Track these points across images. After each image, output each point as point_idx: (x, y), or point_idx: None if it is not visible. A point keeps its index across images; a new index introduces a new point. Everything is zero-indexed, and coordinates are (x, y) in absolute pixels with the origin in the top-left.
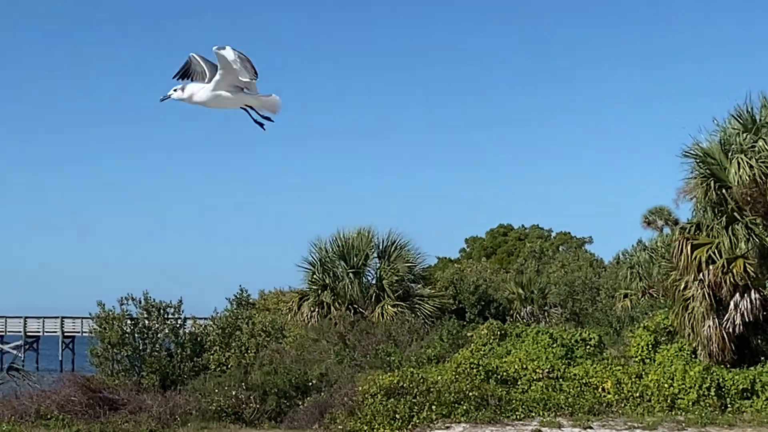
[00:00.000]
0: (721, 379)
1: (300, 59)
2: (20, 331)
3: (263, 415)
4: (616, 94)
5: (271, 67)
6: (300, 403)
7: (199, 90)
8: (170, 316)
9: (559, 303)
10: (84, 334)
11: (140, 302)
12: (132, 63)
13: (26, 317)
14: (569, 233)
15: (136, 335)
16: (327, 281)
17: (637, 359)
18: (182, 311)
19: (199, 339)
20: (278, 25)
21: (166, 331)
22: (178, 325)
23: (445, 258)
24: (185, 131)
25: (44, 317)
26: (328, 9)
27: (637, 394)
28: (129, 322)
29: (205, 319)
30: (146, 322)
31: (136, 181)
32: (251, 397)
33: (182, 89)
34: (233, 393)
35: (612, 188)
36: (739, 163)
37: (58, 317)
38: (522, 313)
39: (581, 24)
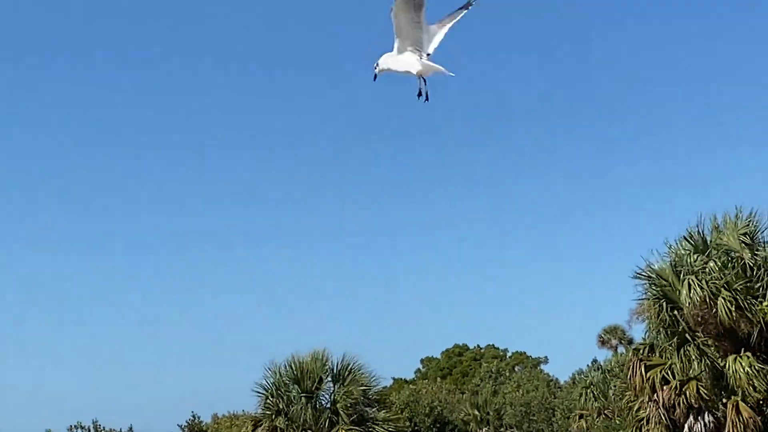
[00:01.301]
0: None
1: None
2: None
3: None
4: (571, 213)
5: None
6: None
7: (386, 59)
8: None
9: (515, 424)
10: None
11: (89, 430)
12: None
13: None
14: (525, 353)
15: None
16: (281, 406)
17: None
18: None
19: None
20: None
21: None
22: None
23: (401, 379)
24: (140, 254)
25: None
26: None
27: None
28: None
29: None
30: None
31: (90, 307)
32: None
33: (376, 65)
34: None
35: (567, 307)
36: (690, 285)
37: None
38: None
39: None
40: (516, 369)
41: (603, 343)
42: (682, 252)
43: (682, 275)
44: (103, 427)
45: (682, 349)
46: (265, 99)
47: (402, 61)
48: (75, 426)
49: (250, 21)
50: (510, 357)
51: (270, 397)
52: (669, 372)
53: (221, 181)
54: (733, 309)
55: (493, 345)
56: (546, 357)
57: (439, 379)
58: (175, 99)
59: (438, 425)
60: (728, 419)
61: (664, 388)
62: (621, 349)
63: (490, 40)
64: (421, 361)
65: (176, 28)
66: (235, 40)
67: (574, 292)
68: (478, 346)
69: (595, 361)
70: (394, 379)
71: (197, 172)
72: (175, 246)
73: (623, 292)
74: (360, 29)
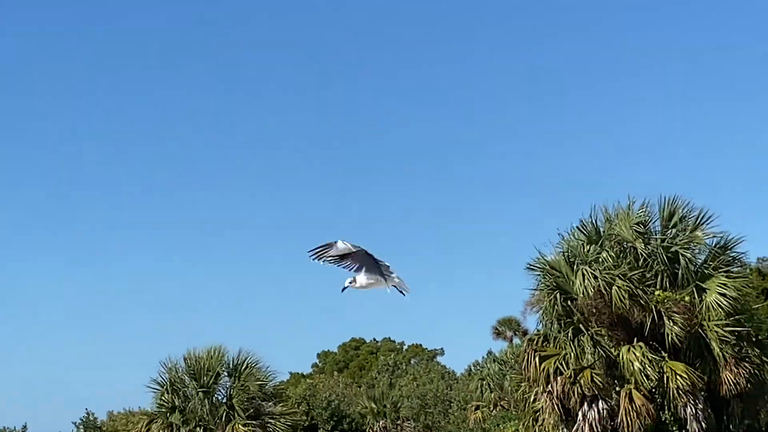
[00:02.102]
0: None
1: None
2: None
3: None
4: (466, 206)
5: None
6: None
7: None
8: None
9: (412, 416)
10: None
11: None
12: None
13: None
14: (421, 345)
15: None
16: (176, 402)
17: None
18: None
19: None
20: None
21: None
22: None
23: (298, 373)
24: (29, 258)
25: None
26: None
27: None
28: None
29: None
30: None
31: None
32: None
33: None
34: None
35: (463, 300)
36: (583, 275)
37: None
38: (375, 428)
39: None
40: (412, 362)
41: (498, 334)
42: (576, 243)
43: (575, 266)
44: None
45: (576, 339)
46: None
47: (376, 283)
48: None
49: None
50: (406, 350)
51: (165, 393)
52: (563, 362)
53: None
54: (626, 298)
55: (389, 338)
56: (442, 349)
57: (335, 372)
58: None
59: (335, 419)
60: (621, 407)
61: (558, 378)
62: (516, 341)
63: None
64: (318, 355)
65: None
66: None
67: (470, 285)
68: (375, 339)
69: (490, 352)
70: (290, 373)
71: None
72: (73, 243)
73: (518, 284)
74: None
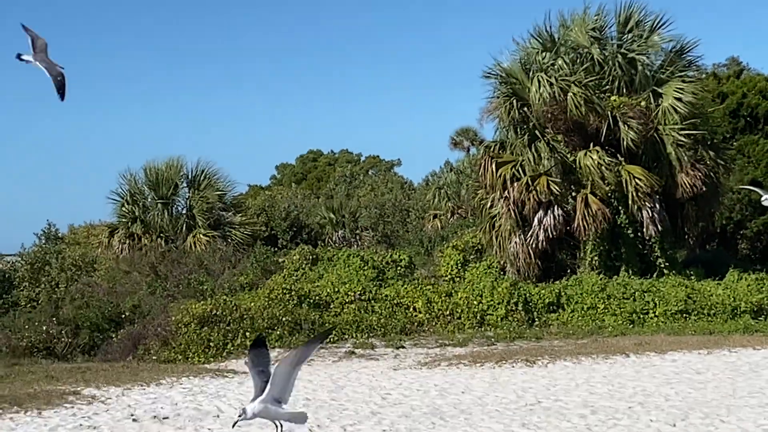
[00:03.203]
0: (528, 294)
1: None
2: None
3: (76, 349)
4: (421, 17)
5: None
6: (113, 335)
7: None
8: None
9: (370, 226)
10: None
11: None
12: None
13: None
14: (378, 157)
15: None
16: (137, 213)
17: (447, 278)
18: None
19: (7, 276)
20: None
21: None
22: None
23: (256, 185)
24: None
25: None
26: None
27: (447, 313)
28: None
29: (12, 255)
30: None
31: None
32: (63, 332)
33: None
34: (44, 328)
35: (420, 111)
36: (539, 82)
37: None
38: (334, 238)
39: None
40: (370, 173)
41: (455, 144)
42: (531, 50)
43: (531, 73)
44: None
45: (532, 146)
46: None
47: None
48: None
49: None
50: (364, 161)
51: (126, 204)
52: (519, 168)
53: None
54: (582, 104)
55: (347, 150)
56: (399, 160)
57: (294, 184)
58: None
59: (294, 229)
60: (578, 212)
61: (515, 184)
62: (473, 151)
63: None
64: (276, 167)
65: None
66: None
67: (426, 96)
68: (332, 151)
69: (447, 162)
70: (249, 185)
71: None
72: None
73: (474, 93)
74: None
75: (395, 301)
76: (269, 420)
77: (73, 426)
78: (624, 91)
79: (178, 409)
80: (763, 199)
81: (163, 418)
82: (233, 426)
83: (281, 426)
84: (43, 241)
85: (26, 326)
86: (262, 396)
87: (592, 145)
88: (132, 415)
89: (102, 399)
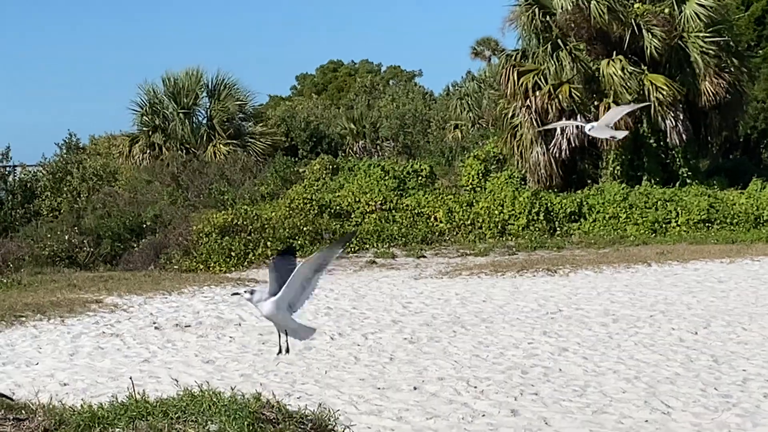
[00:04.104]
0: (549, 204)
1: None
2: None
3: (98, 258)
4: None
5: None
6: (135, 245)
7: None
8: None
9: (390, 137)
10: None
11: None
12: None
13: None
14: (399, 67)
15: None
16: (157, 123)
17: (468, 188)
18: (10, 158)
19: (29, 185)
20: None
21: None
22: (6, 173)
23: (277, 96)
24: None
25: None
26: None
27: (468, 222)
28: None
29: (35, 165)
30: None
31: None
32: (85, 241)
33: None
34: (66, 238)
35: (440, 20)
36: None
37: None
38: (354, 148)
39: None
40: (390, 83)
41: (476, 54)
42: None
43: None
44: None
45: (554, 54)
46: None
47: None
48: None
49: None
50: (384, 71)
51: (146, 115)
52: (541, 77)
53: None
54: (605, 12)
55: (367, 60)
56: (420, 70)
57: (314, 95)
58: None
59: (314, 139)
60: None
61: (537, 93)
62: (494, 60)
63: None
64: (296, 78)
65: None
66: None
67: (447, 5)
68: (353, 61)
69: (469, 72)
70: (269, 96)
71: None
72: None
73: (496, 1)
74: None
75: (416, 211)
76: (275, 324)
77: (95, 334)
78: None
79: (199, 318)
80: (587, 128)
81: (185, 326)
82: (232, 295)
83: (285, 335)
84: (65, 151)
85: (48, 235)
86: (276, 296)
87: (615, 53)
88: (154, 323)
89: (124, 307)
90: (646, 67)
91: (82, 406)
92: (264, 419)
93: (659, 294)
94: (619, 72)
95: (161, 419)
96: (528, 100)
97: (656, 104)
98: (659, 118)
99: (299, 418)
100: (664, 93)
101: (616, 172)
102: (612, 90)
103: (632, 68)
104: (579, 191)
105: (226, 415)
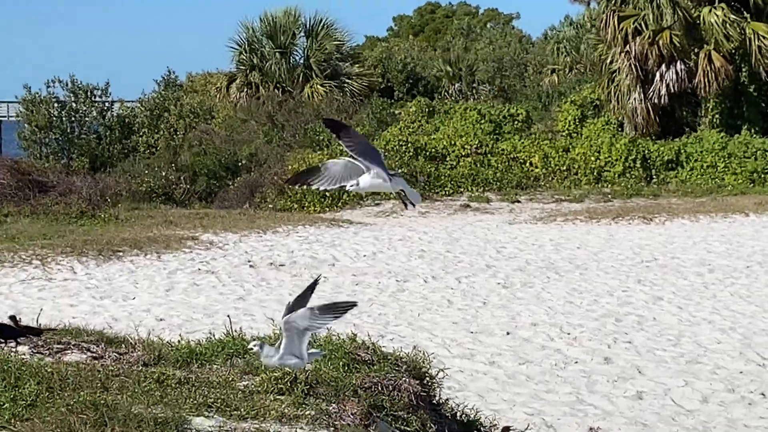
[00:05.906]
0: (646, 151)
1: None
2: None
3: (194, 196)
4: None
5: None
6: (230, 183)
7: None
8: (98, 98)
9: (487, 80)
10: (11, 119)
11: (67, 85)
12: None
13: None
14: (497, 9)
15: (64, 118)
16: (255, 62)
17: (564, 133)
18: (110, 94)
19: (127, 121)
20: None
21: (94, 114)
22: (105, 108)
23: (373, 37)
24: None
25: None
26: None
27: (564, 168)
28: (56, 105)
29: (133, 101)
30: (74, 104)
31: None
32: (181, 178)
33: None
34: (163, 174)
35: None
36: None
37: None
38: (450, 91)
39: None
40: (488, 26)
41: None
42: None
43: None
44: (81, 82)
45: (655, 0)
46: None
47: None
48: (52, 81)
49: None
50: (482, 14)
51: (243, 53)
52: (642, 23)
53: None
54: None
55: (465, 2)
56: (518, 13)
57: (411, 36)
58: None
59: (411, 81)
60: (700, 68)
61: (637, 38)
62: (594, 5)
63: None
64: (393, 19)
65: None
66: None
67: None
68: (450, 3)
69: (567, 16)
70: (366, 37)
71: None
72: None
73: None
74: None
75: (512, 156)
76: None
77: (191, 270)
78: None
79: (294, 257)
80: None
81: (280, 265)
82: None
83: (405, 197)
84: (162, 88)
85: (146, 171)
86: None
87: (717, 1)
88: (249, 261)
89: (219, 245)
90: (748, 15)
91: (179, 341)
92: (359, 360)
93: (756, 245)
94: (721, 19)
95: (258, 357)
96: (627, 46)
97: (758, 52)
98: (761, 67)
99: (394, 360)
100: (767, 42)
101: (715, 120)
102: (713, 38)
103: (734, 16)
104: (677, 139)
105: (321, 355)
